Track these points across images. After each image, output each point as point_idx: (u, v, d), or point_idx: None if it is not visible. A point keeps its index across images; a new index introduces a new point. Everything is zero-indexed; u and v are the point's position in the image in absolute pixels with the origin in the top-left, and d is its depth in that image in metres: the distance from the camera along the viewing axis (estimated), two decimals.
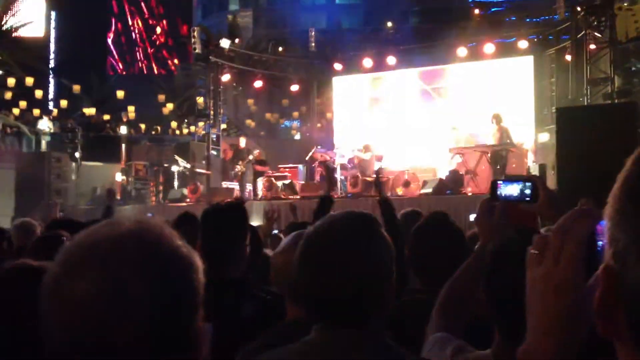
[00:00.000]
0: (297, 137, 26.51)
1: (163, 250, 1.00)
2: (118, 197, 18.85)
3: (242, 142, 17.43)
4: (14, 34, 31.16)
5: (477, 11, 22.37)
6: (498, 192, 1.96)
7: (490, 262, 1.90)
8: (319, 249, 1.60)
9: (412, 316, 2.40)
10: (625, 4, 16.32)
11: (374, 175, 8.03)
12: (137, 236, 1.00)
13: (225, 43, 19.05)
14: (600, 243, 1.45)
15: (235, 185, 16.84)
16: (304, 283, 1.61)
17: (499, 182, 1.98)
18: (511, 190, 1.94)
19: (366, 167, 15.70)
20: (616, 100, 13.98)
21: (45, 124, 23.34)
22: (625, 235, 0.73)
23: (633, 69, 16.56)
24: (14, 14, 31.42)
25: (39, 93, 28.43)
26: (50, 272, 0.99)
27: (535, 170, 14.02)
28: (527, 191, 1.89)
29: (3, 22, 30.31)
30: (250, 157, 16.53)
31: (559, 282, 0.85)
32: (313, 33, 20.91)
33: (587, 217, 0.86)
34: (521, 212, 1.91)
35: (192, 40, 18.77)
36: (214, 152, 18.75)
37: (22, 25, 31.72)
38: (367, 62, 19.46)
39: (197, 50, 18.59)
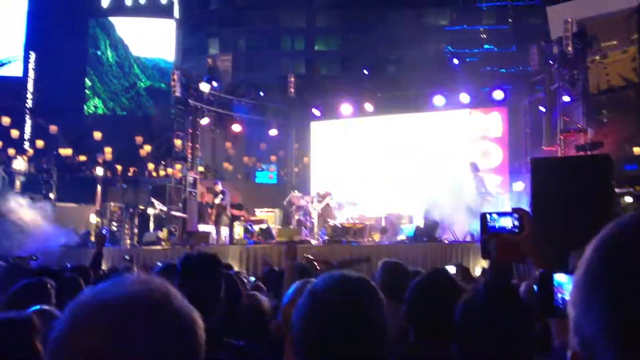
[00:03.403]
0: (274, 181, 26.53)
1: (170, 309, 1.04)
2: (92, 239, 18.62)
3: (219, 186, 17.51)
4: None
5: (455, 61, 22.78)
6: (488, 224, 2.03)
7: (460, 314, 1.94)
8: (330, 309, 1.61)
9: None
10: (597, 57, 16.75)
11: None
12: (145, 296, 1.03)
13: (205, 87, 19.13)
14: (560, 296, 1.52)
15: (211, 229, 16.71)
16: (312, 339, 1.61)
17: (488, 214, 2.04)
18: (501, 222, 2.01)
19: (329, 214, 16.03)
20: (589, 153, 14.21)
21: (20, 164, 23.11)
22: (591, 327, 0.74)
23: (605, 120, 16.90)
24: None
25: (15, 133, 28.25)
26: (57, 330, 1.01)
27: None
28: (516, 222, 1.98)
29: None
30: (219, 201, 16.65)
31: None
32: (292, 79, 21.07)
33: None
34: (510, 246, 1.96)
35: (172, 83, 18.82)
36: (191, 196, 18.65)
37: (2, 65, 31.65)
38: (345, 109, 19.67)
39: (176, 94, 18.63)
